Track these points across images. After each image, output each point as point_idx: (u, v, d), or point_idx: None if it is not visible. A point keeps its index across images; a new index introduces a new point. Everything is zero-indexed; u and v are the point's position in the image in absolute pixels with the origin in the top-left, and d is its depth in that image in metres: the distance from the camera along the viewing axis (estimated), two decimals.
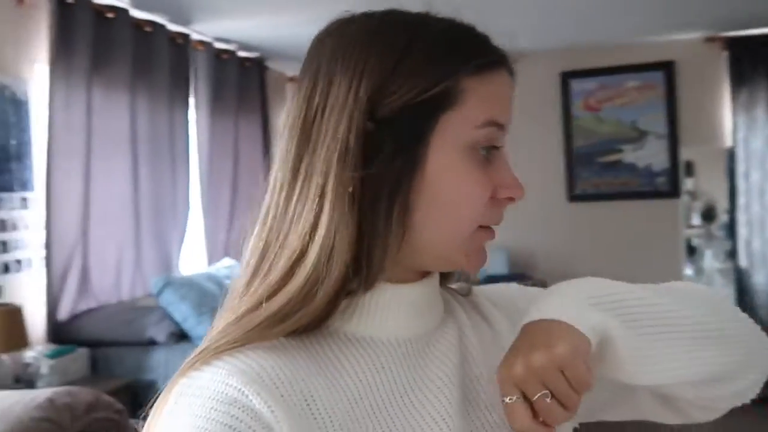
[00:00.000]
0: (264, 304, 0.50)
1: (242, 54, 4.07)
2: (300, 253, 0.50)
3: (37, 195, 2.67)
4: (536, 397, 0.48)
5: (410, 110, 0.51)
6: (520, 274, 3.92)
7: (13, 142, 2.56)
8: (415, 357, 0.55)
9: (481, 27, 0.56)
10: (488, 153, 0.54)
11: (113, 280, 2.99)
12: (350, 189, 0.50)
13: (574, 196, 4.32)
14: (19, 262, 2.61)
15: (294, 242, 0.51)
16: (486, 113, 0.52)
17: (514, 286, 0.73)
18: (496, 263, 4.10)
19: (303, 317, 0.50)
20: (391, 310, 0.55)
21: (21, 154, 2.60)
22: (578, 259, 4.18)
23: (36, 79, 2.69)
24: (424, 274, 0.58)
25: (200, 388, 0.46)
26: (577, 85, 4.35)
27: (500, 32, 0.57)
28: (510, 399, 0.49)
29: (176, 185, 3.41)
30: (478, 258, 0.56)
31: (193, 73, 3.60)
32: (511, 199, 0.55)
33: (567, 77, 4.33)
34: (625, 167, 4.29)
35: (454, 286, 0.67)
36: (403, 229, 0.51)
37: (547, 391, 0.48)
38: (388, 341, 0.54)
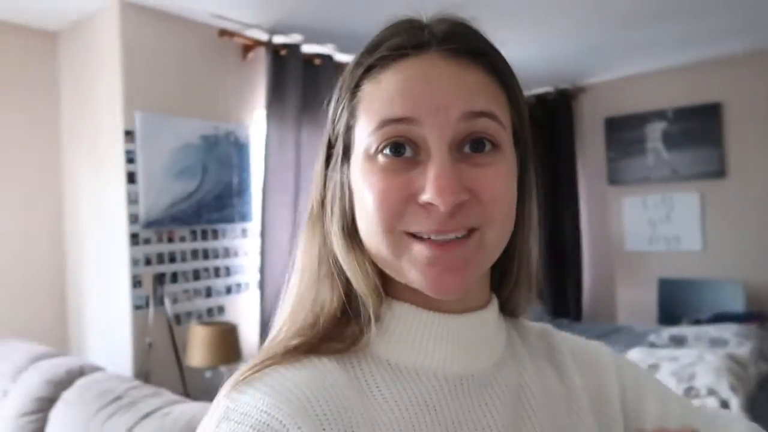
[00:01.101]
0: (305, 327, 0.52)
1: None
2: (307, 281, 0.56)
3: (254, 225, 3.02)
4: None
5: (341, 134, 0.54)
6: (758, 313, 3.28)
7: (235, 179, 2.95)
8: (463, 397, 0.51)
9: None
10: (409, 154, 0.49)
11: None
12: (310, 210, 0.56)
13: None
14: (239, 285, 2.97)
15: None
16: (376, 115, 0.50)
17: (606, 350, 0.65)
18: (728, 299, 3.51)
19: (336, 340, 0.52)
20: (430, 339, 0.52)
21: (241, 190, 2.97)
22: None
23: (255, 123, 3.06)
24: (479, 306, 0.55)
25: (243, 415, 0.45)
26: None
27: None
28: None
29: None
30: (426, 274, 0.48)
31: None
32: (430, 204, 0.47)
33: None
34: None
35: (536, 325, 0.62)
36: (355, 244, 0.53)
37: None
38: (434, 375, 0.51)
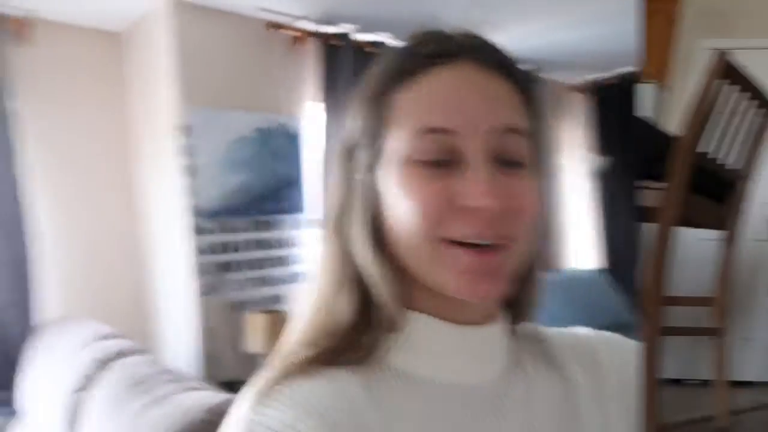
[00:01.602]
0: (323, 335, 0.53)
1: None
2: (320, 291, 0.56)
3: (308, 216, 3.05)
4: None
5: (369, 139, 0.54)
6: None
7: (288, 171, 2.99)
8: (477, 408, 0.53)
9: None
10: (448, 160, 0.49)
11: None
12: (330, 214, 0.56)
13: None
14: (297, 274, 3.01)
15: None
16: (412, 122, 0.51)
17: (589, 330, 0.66)
18: None
19: (351, 351, 0.52)
20: (450, 351, 0.54)
21: (294, 181, 3.01)
22: None
23: (306, 114, 3.09)
24: (493, 318, 0.56)
25: (268, 429, 0.46)
26: None
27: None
28: None
29: None
30: (462, 278, 0.49)
31: None
32: (471, 210, 0.48)
33: None
34: None
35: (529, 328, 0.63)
36: (379, 251, 0.52)
37: None
38: (450, 386, 0.53)
